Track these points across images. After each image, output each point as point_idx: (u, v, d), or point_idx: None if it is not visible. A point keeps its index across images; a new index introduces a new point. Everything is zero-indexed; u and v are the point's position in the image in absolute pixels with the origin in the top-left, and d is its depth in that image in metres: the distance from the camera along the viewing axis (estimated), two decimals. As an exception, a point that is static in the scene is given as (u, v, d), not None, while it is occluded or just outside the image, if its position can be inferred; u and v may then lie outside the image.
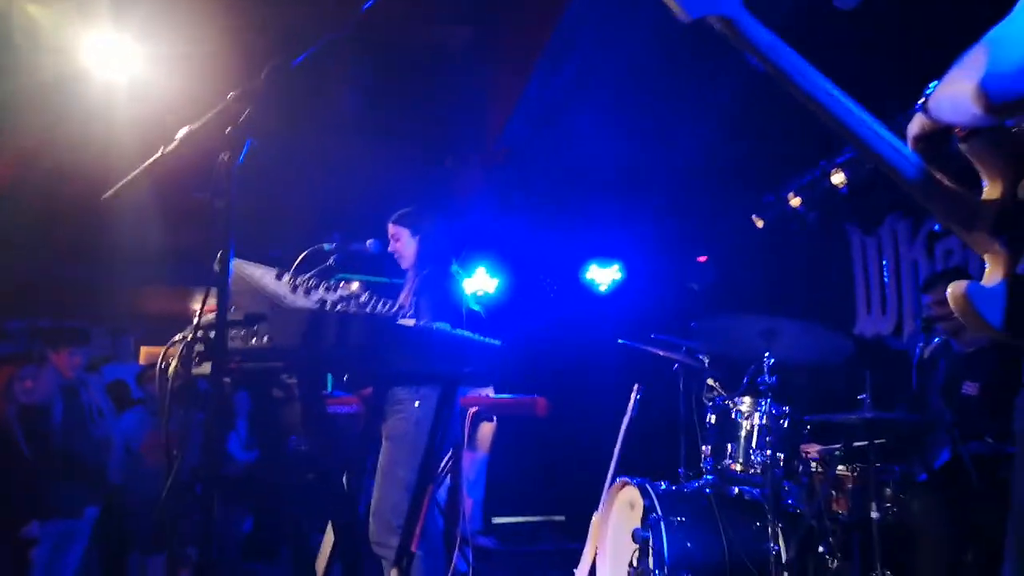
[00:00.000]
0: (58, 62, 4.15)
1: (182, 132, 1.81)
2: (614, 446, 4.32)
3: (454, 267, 3.72)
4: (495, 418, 4.71)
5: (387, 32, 4.38)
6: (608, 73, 5.13)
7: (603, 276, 7.79)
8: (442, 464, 3.63)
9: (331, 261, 3.38)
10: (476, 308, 4.39)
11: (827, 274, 5.96)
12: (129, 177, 1.85)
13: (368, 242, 3.59)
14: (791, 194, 5.38)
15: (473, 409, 3.82)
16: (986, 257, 1.28)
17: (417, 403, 3.28)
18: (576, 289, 7.77)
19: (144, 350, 7.55)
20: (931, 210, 1.32)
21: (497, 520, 6.60)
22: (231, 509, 5.25)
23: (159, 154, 1.81)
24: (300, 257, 3.29)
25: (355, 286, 2.45)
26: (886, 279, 5.51)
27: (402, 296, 3.65)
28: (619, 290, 7.79)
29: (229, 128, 1.73)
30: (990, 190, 1.28)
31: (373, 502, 3.29)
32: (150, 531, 4.93)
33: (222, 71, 3.81)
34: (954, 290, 1.24)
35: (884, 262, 5.53)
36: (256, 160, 1.84)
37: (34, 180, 5.14)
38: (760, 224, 5.96)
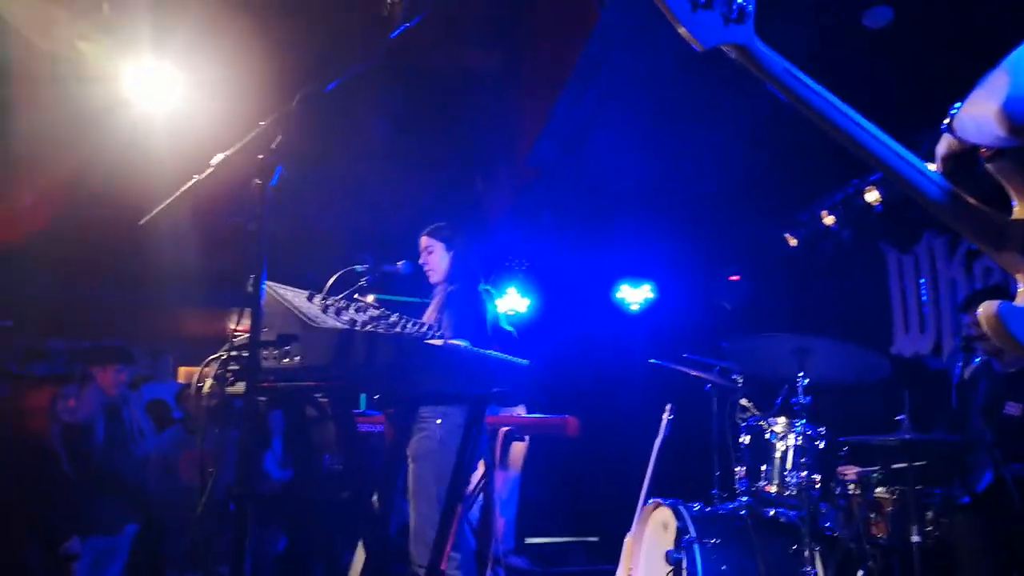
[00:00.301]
0: (100, 92, 4.29)
1: (216, 159, 1.86)
2: (646, 466, 4.29)
3: (483, 286, 3.73)
4: (527, 438, 4.71)
5: (416, 57, 4.45)
6: (636, 91, 5.14)
7: (634, 295, 7.77)
8: (472, 484, 3.63)
9: (363, 282, 3.42)
10: (508, 328, 4.39)
11: (862, 293, 5.87)
12: (166, 203, 1.91)
13: (399, 263, 3.63)
14: (824, 212, 5.31)
15: (505, 429, 3.82)
16: (1018, 277, 1.26)
17: (439, 421, 3.28)
18: (607, 308, 7.75)
19: (182, 370, 7.70)
20: (959, 230, 1.31)
21: (529, 540, 6.56)
22: (266, 528, 5.29)
23: (193, 181, 1.87)
24: (333, 278, 3.33)
25: (370, 299, 2.48)
26: (924, 297, 5.41)
27: (428, 311, 3.67)
28: (650, 309, 7.76)
29: (261, 155, 1.78)
30: (1019, 209, 1.26)
31: (411, 524, 3.27)
32: (185, 549, 4.98)
33: (260, 97, 3.90)
34: (985, 310, 1.22)
35: (922, 280, 5.43)
36: (290, 184, 1.89)
37: (76, 206, 5.30)
38: (793, 242, 5.90)
